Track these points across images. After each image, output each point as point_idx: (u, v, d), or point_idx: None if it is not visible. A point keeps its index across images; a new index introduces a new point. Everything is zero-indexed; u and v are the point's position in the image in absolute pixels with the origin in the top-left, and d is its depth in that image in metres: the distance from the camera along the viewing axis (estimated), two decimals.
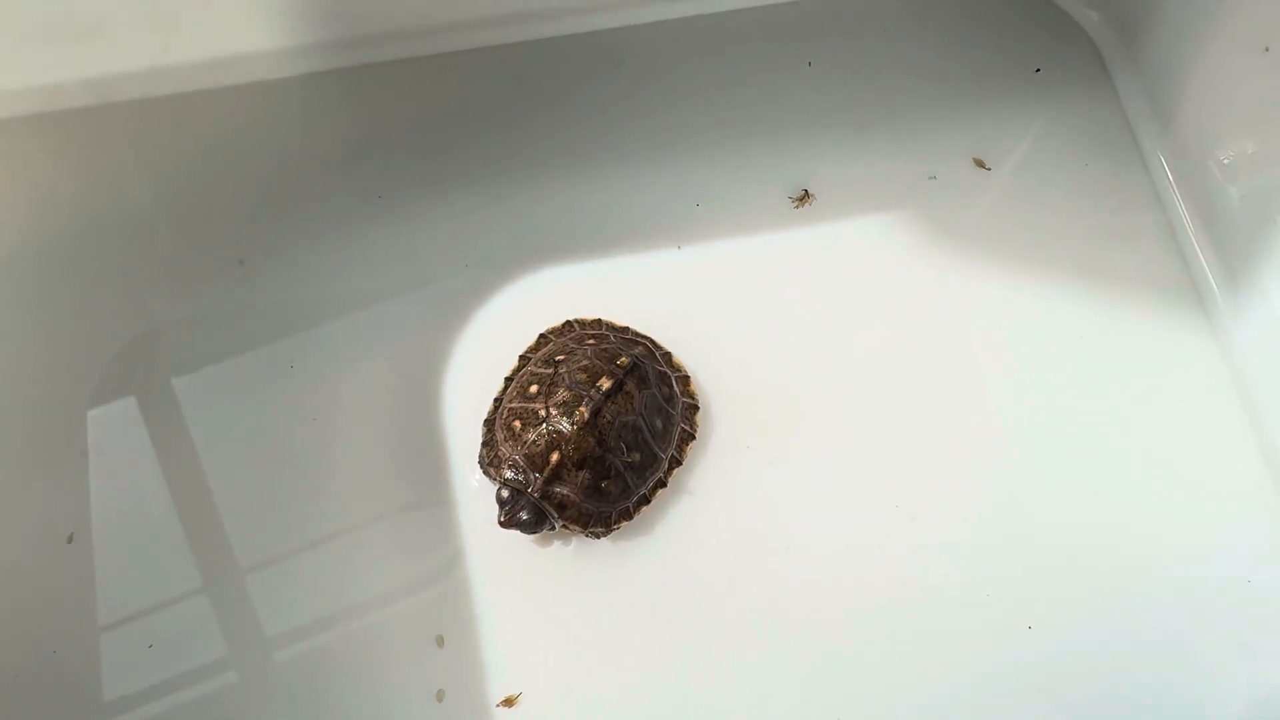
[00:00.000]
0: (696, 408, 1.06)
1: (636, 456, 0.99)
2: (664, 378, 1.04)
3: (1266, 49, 1.02)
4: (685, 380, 1.07)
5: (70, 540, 1.00)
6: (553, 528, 0.98)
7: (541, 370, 1.02)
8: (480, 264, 1.13)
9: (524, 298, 1.12)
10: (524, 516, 0.96)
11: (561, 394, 0.98)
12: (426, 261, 1.13)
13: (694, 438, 1.05)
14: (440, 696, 0.97)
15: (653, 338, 1.08)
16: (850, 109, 1.22)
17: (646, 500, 1.01)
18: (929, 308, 1.13)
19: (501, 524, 0.96)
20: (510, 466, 0.97)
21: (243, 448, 1.05)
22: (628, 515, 1.00)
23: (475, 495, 1.04)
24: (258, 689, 0.97)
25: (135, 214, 1.14)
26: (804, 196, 1.17)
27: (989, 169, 1.19)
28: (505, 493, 0.97)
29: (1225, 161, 1.10)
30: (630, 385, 0.99)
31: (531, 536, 1.01)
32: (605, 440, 0.97)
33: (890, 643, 1.00)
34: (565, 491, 0.96)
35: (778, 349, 1.11)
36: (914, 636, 1.00)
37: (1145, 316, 1.13)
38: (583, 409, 0.96)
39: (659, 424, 1.01)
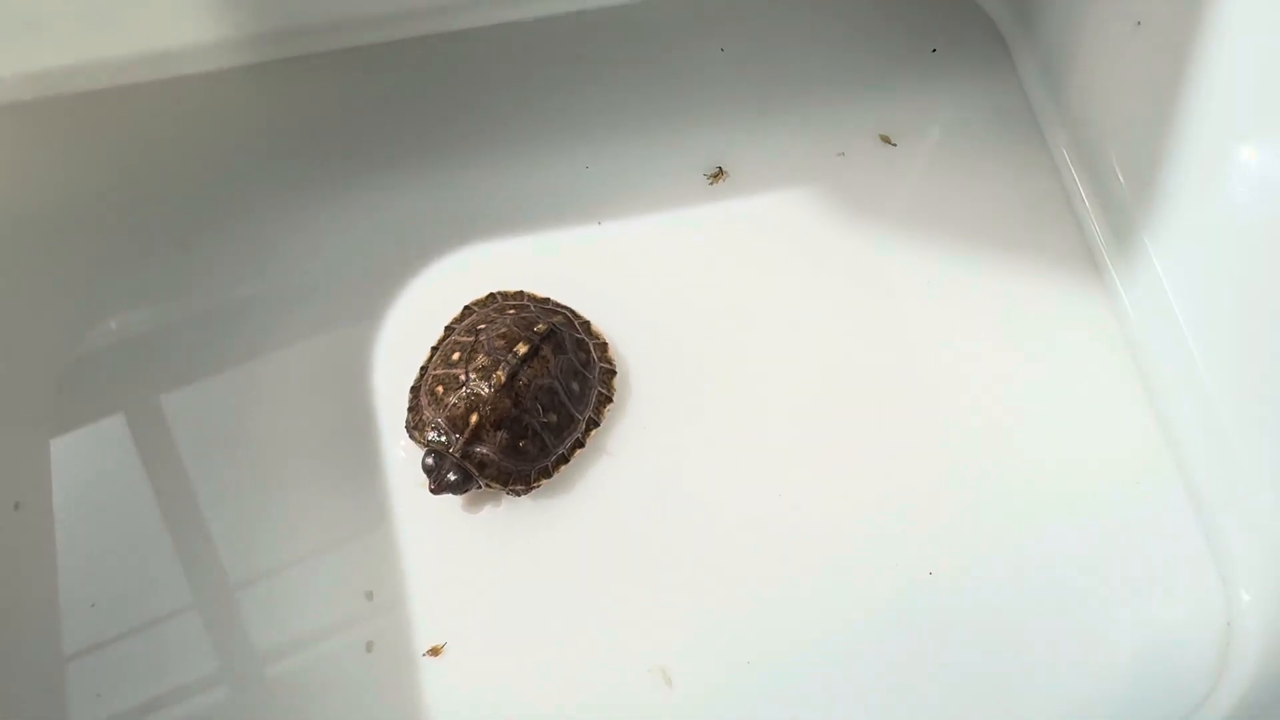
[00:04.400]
0: (614, 372, 1.11)
1: (553, 418, 1.04)
2: (581, 344, 1.10)
3: (1139, 23, 1.08)
4: (603, 347, 1.12)
5: (17, 508, 1.05)
6: (479, 487, 1.04)
7: (464, 339, 1.07)
8: (410, 243, 1.18)
9: (450, 273, 1.17)
10: (451, 478, 1.01)
11: (481, 359, 1.03)
12: (357, 242, 1.18)
13: (611, 400, 1.10)
14: (370, 647, 1.02)
15: (573, 308, 1.14)
16: (762, 90, 1.27)
17: (565, 459, 1.07)
18: (836, 275, 1.18)
19: (432, 491, 1.02)
20: (433, 428, 1.02)
21: (177, 420, 1.10)
22: (546, 473, 1.06)
23: (404, 461, 1.09)
24: (190, 638, 1.02)
25: (79, 205, 1.19)
26: (718, 174, 1.22)
27: (895, 145, 1.25)
28: (429, 460, 1.02)
29: (1109, 132, 1.16)
30: (546, 350, 1.05)
31: (460, 499, 1.06)
32: (521, 402, 1.02)
33: (800, 589, 1.05)
34: (485, 451, 1.02)
35: (693, 318, 1.16)
36: (823, 583, 1.05)
37: (1046, 281, 1.19)
38: (499, 372, 1.02)
39: (575, 387, 1.07)
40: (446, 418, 1.02)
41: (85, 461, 1.08)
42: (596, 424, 1.09)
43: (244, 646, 1.02)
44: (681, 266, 1.19)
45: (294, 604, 1.03)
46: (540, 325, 1.06)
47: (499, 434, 1.02)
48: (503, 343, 1.04)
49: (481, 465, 1.02)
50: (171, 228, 1.19)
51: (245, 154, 1.23)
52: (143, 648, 1.02)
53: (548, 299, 1.14)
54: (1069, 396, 1.14)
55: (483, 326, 1.07)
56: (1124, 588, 1.06)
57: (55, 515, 1.06)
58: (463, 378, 1.03)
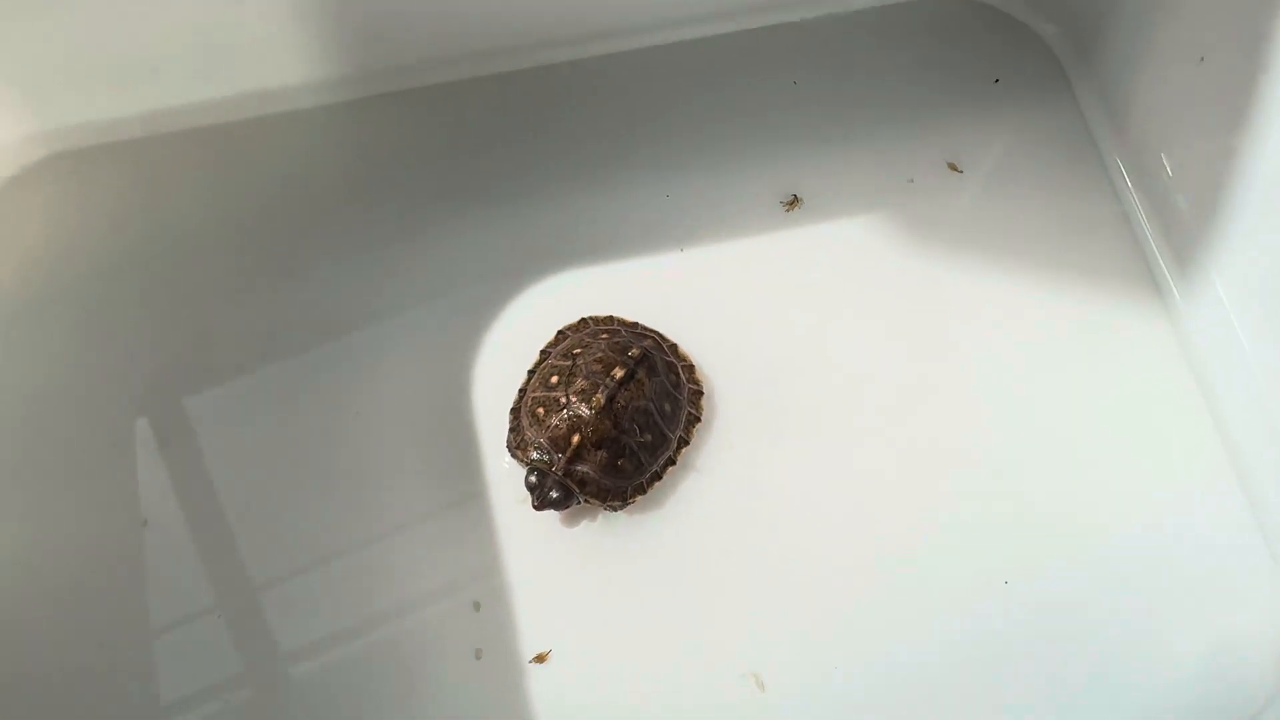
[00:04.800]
0: (701, 393, 1.17)
1: (648, 437, 1.11)
2: (671, 366, 1.16)
3: (1201, 59, 1.13)
4: (690, 369, 1.18)
5: (145, 525, 1.11)
6: (579, 503, 1.10)
7: (561, 363, 1.13)
8: (502, 271, 1.24)
9: (542, 299, 1.23)
10: (554, 495, 1.07)
11: (580, 383, 1.10)
12: (452, 271, 1.25)
13: (699, 420, 1.16)
14: (478, 655, 1.08)
15: (660, 331, 1.20)
16: (833, 121, 1.33)
17: (659, 477, 1.13)
18: (910, 300, 1.24)
19: (535, 508, 1.08)
20: (536, 448, 1.09)
21: (290, 446, 1.16)
22: (642, 490, 1.12)
23: (506, 477, 1.15)
24: (310, 651, 1.08)
25: (187, 233, 1.26)
26: (793, 201, 1.28)
27: (962, 171, 1.30)
28: (533, 478, 1.08)
29: (1171, 161, 1.21)
30: (641, 373, 1.11)
31: (560, 514, 1.13)
32: (620, 423, 1.09)
33: (883, 599, 1.11)
34: (586, 469, 1.08)
35: (774, 340, 1.22)
36: (904, 593, 1.11)
37: (1108, 304, 1.24)
38: (599, 395, 1.08)
39: (668, 408, 1.13)
40: (549, 438, 1.08)
41: (184, 479, 1.15)
42: (686, 442, 1.15)
43: (360, 655, 1.08)
44: (761, 290, 1.24)
45: (406, 615, 1.09)
46: (634, 350, 1.12)
47: (599, 453, 1.08)
48: (600, 367, 1.10)
49: (582, 483, 1.08)
50: (272, 256, 1.25)
51: (345, 187, 1.29)
52: (246, 660, 1.09)
53: (636, 323, 1.20)
54: (1131, 412, 1.19)
55: (578, 351, 1.14)
56: (1188, 598, 1.11)
57: (153, 527, 1.12)
58: (563, 400, 1.09)
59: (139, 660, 1.07)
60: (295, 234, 1.27)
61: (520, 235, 1.27)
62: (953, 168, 1.30)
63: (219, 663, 1.08)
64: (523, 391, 1.16)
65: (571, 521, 1.14)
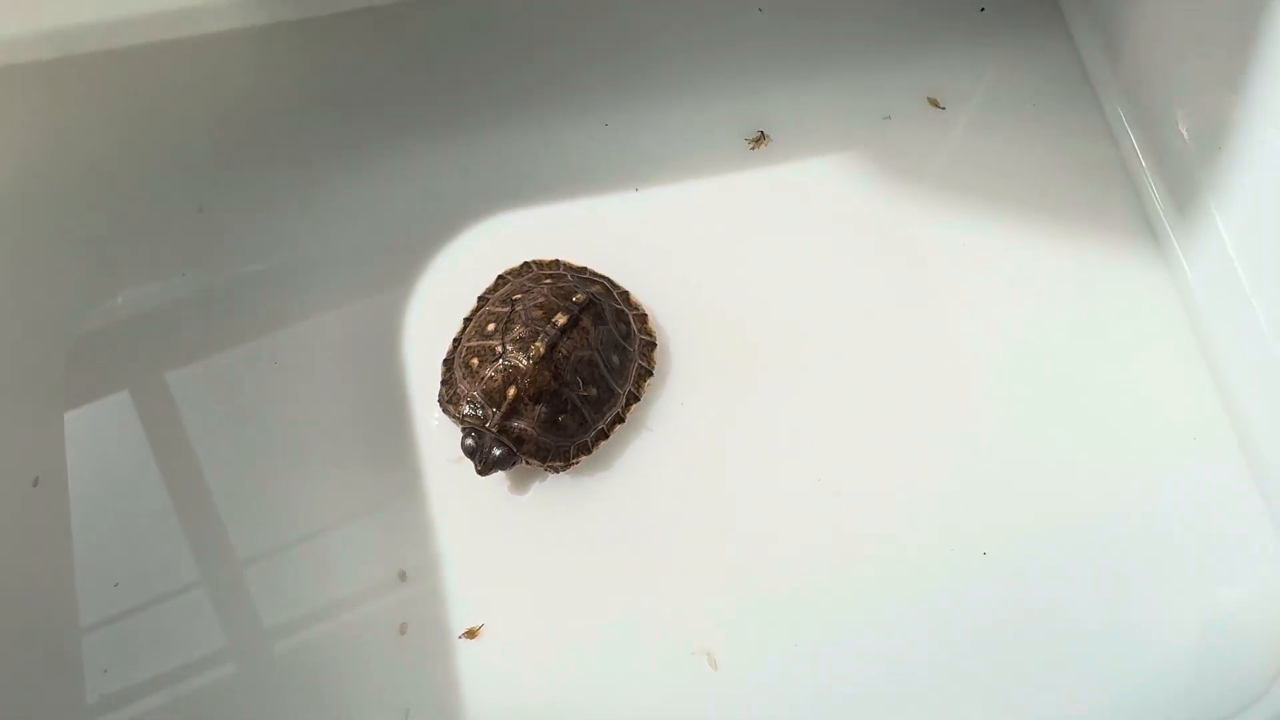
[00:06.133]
0: (654, 345, 1.07)
1: (593, 391, 1.00)
2: (621, 315, 1.05)
3: None
4: (643, 318, 1.08)
5: (36, 484, 1.01)
6: (524, 463, 0.99)
7: (499, 309, 1.03)
8: (439, 210, 1.14)
9: (483, 242, 1.13)
10: (496, 453, 0.97)
11: (518, 330, 0.99)
12: (385, 209, 1.14)
13: (651, 374, 1.06)
14: (403, 629, 0.98)
15: (610, 277, 1.10)
16: (803, 52, 1.22)
17: (605, 435, 1.03)
18: (885, 246, 1.14)
19: (480, 473, 0.98)
20: (469, 402, 0.98)
21: (195, 394, 1.06)
22: (586, 450, 1.02)
23: (437, 434, 1.05)
24: (212, 622, 0.98)
25: (95, 165, 1.15)
26: (760, 138, 1.18)
27: (943, 108, 1.20)
28: (470, 440, 0.98)
29: (1171, 92, 1.11)
30: (586, 321, 1.00)
31: (507, 477, 1.03)
32: (561, 374, 0.98)
33: (848, 571, 1.01)
34: (523, 426, 0.98)
35: (735, 288, 1.12)
36: (871, 564, 1.02)
37: (1100, 250, 1.15)
38: (538, 344, 0.98)
39: (616, 360, 1.02)
40: (483, 391, 0.98)
41: (100, 437, 1.05)
42: (637, 398, 1.05)
43: (270, 630, 0.98)
44: (723, 235, 1.14)
45: (323, 585, 1.00)
46: (579, 295, 1.02)
47: (538, 408, 0.98)
48: (540, 313, 1.00)
49: (519, 441, 0.98)
50: (188, 193, 1.15)
51: (265, 118, 1.18)
52: (160, 629, 0.99)
53: (585, 268, 1.10)
54: (1124, 370, 1.10)
55: (518, 296, 1.03)
56: (1186, 568, 1.02)
57: (70, 490, 1.02)
58: (499, 349, 0.99)
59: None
60: (213, 168, 1.16)
61: (460, 172, 1.16)
62: (934, 104, 1.20)
63: (108, 629, 0.98)
64: (457, 341, 1.05)
65: (520, 486, 1.04)
